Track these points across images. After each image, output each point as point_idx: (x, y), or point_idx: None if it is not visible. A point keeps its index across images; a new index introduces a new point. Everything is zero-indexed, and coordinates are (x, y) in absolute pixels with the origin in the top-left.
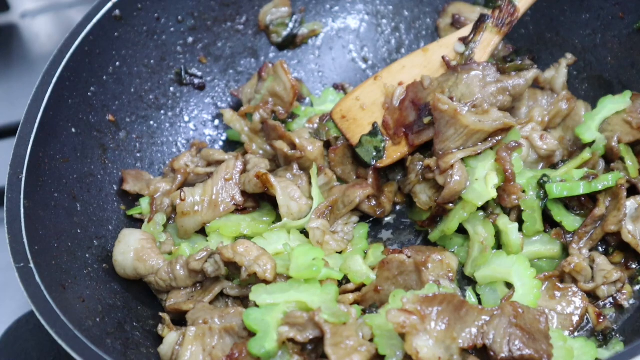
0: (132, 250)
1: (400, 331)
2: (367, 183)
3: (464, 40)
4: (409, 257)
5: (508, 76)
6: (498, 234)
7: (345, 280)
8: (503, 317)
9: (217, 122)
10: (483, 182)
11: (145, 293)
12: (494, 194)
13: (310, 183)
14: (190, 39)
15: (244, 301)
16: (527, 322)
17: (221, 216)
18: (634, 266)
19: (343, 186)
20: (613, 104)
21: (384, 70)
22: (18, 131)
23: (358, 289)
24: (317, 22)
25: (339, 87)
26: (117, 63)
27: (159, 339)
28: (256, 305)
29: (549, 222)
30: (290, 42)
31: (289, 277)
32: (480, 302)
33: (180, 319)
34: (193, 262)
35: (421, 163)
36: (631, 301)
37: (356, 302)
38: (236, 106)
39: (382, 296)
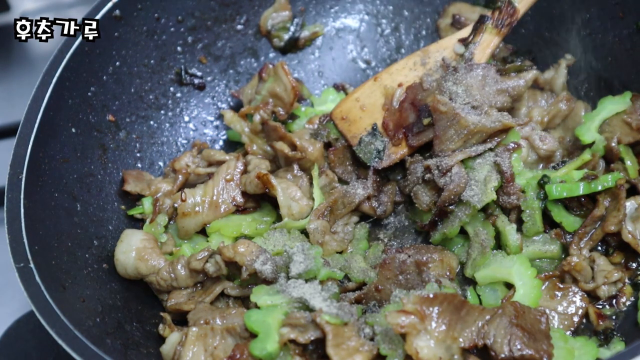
0: (134, 249)
1: (399, 331)
2: (367, 184)
3: (464, 42)
4: (410, 257)
5: (508, 77)
6: (498, 235)
7: (346, 279)
8: (504, 317)
9: (217, 122)
10: (482, 184)
11: (145, 293)
12: (493, 196)
13: (311, 184)
14: (190, 39)
15: (244, 301)
16: (528, 322)
17: (222, 217)
18: (634, 266)
19: (343, 187)
20: (613, 105)
21: (384, 71)
22: (18, 131)
23: (359, 288)
24: (318, 24)
25: (339, 87)
26: (117, 63)
27: (159, 339)
28: (257, 307)
29: (549, 223)
30: (293, 46)
31: (289, 278)
32: (480, 302)
33: (180, 319)
34: (194, 262)
35: (421, 164)
36: (631, 301)
37: (357, 302)
38: (236, 107)
39: (383, 295)
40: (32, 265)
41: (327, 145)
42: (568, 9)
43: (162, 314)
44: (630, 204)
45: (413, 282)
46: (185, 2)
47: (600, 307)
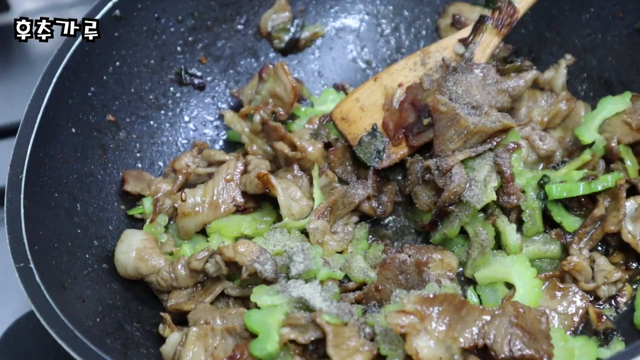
0: (134, 249)
1: (399, 331)
2: (367, 184)
3: (464, 42)
4: (410, 257)
5: (507, 77)
6: (498, 235)
7: (346, 279)
8: (504, 317)
9: (217, 122)
10: (482, 185)
11: (145, 293)
12: (493, 196)
13: (311, 184)
14: (190, 39)
15: (245, 301)
16: (528, 322)
17: (222, 217)
18: (634, 266)
19: (343, 187)
20: (613, 105)
21: (384, 71)
22: (18, 131)
23: (359, 288)
24: (318, 25)
25: (339, 87)
26: (117, 63)
27: (159, 339)
28: (257, 307)
29: (549, 223)
30: (293, 46)
31: (289, 278)
32: (480, 302)
33: (180, 319)
34: (194, 262)
35: (421, 164)
36: (631, 301)
37: (357, 302)
38: (237, 107)
39: (383, 295)
40: (32, 265)
41: (327, 145)
42: (568, 9)
43: (162, 314)
44: (630, 204)
45: (413, 282)
46: (185, 2)
47: (600, 307)
